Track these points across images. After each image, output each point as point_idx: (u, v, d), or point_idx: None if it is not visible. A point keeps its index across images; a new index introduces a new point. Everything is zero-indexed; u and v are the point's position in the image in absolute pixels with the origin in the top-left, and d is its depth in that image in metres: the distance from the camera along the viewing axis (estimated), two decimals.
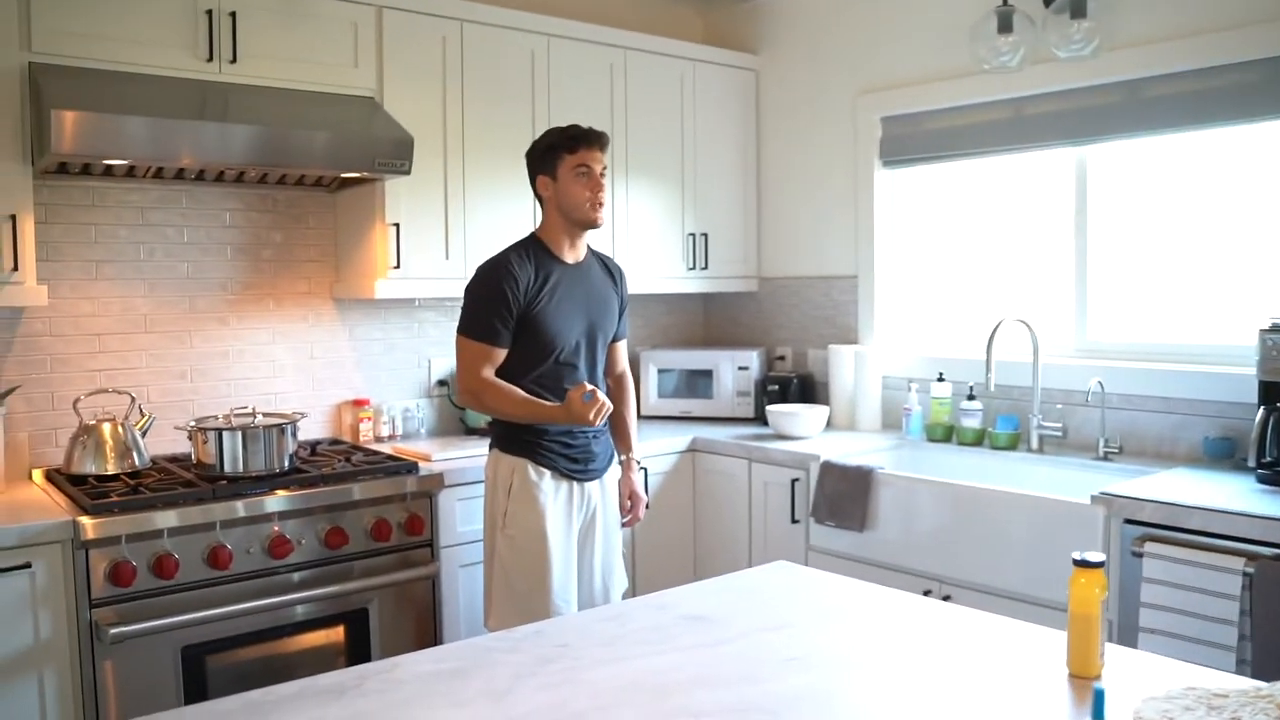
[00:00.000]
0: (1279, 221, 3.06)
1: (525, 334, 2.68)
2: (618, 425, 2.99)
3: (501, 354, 2.68)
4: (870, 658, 1.60)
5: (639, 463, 3.03)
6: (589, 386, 2.58)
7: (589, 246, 2.88)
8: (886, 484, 3.17)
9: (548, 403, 2.65)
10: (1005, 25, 3.32)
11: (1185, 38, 3.11)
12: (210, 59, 2.95)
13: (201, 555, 2.65)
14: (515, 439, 2.72)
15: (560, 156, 2.70)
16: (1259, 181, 3.11)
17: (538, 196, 2.80)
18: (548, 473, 2.70)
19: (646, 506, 3.04)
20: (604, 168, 2.73)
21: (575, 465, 2.74)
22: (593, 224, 2.74)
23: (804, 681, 1.49)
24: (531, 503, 2.68)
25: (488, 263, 2.74)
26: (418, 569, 3.00)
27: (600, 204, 2.71)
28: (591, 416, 2.55)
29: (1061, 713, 1.39)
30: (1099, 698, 1.16)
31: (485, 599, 2.78)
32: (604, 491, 2.84)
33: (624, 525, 2.96)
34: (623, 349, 3.03)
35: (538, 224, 2.84)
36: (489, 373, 2.68)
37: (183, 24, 2.91)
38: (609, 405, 2.61)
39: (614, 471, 2.92)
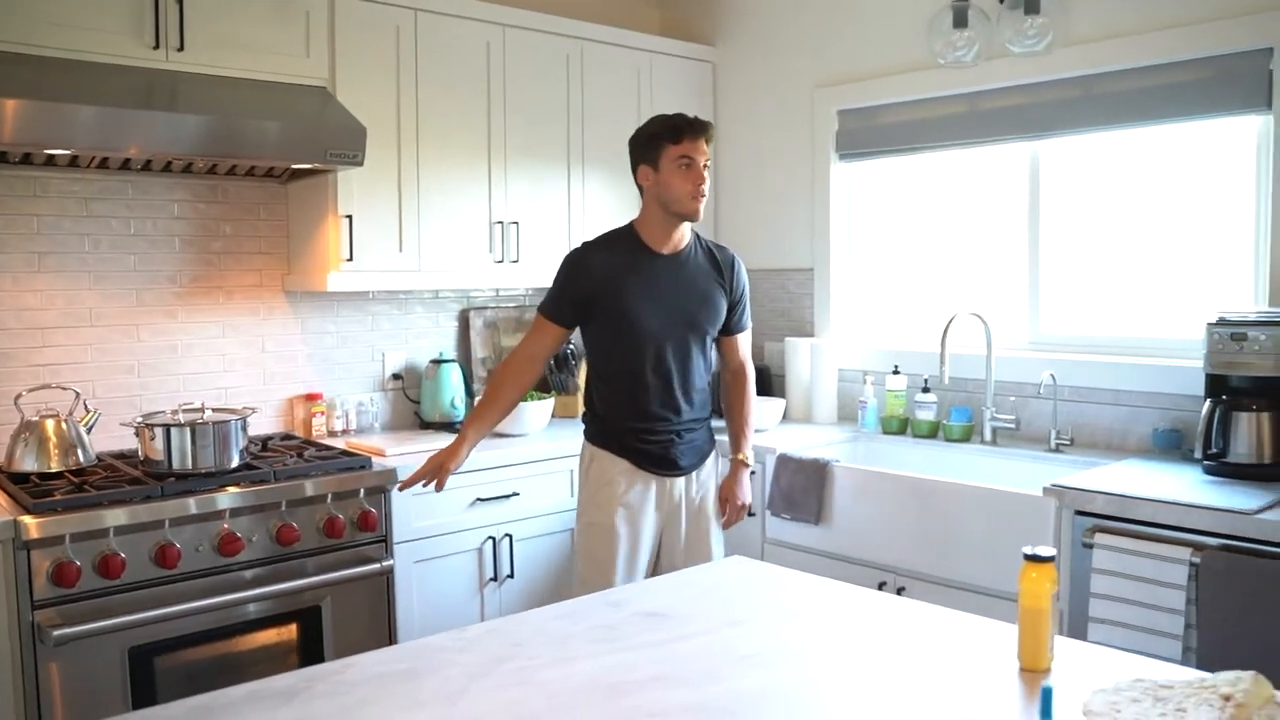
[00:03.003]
0: (1227, 217, 3.11)
1: (604, 320, 2.70)
2: (730, 422, 2.93)
3: (558, 330, 2.75)
4: (827, 655, 1.60)
5: (747, 464, 2.88)
6: (451, 473, 2.70)
7: (698, 237, 2.82)
8: (842, 476, 3.19)
9: (465, 434, 2.74)
10: (961, 20, 3.34)
11: (1136, 35, 3.14)
12: (157, 46, 2.89)
13: (149, 554, 2.60)
14: (597, 429, 2.77)
15: (663, 146, 2.66)
16: (1208, 178, 3.15)
17: (638, 186, 2.76)
18: (625, 465, 2.71)
19: (750, 512, 2.89)
20: (707, 159, 2.68)
21: (652, 460, 2.72)
22: (692, 216, 2.70)
23: (761, 679, 1.49)
24: (605, 493, 2.70)
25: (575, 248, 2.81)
26: (371, 565, 2.97)
27: (702, 195, 2.66)
28: (420, 477, 2.69)
29: (1012, 707, 1.40)
30: (1046, 696, 1.16)
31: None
32: (694, 489, 2.79)
33: (723, 528, 2.87)
34: (740, 342, 2.93)
35: (637, 214, 2.80)
36: (537, 350, 2.77)
37: (128, 10, 2.84)
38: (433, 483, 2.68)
39: (712, 468, 2.86)
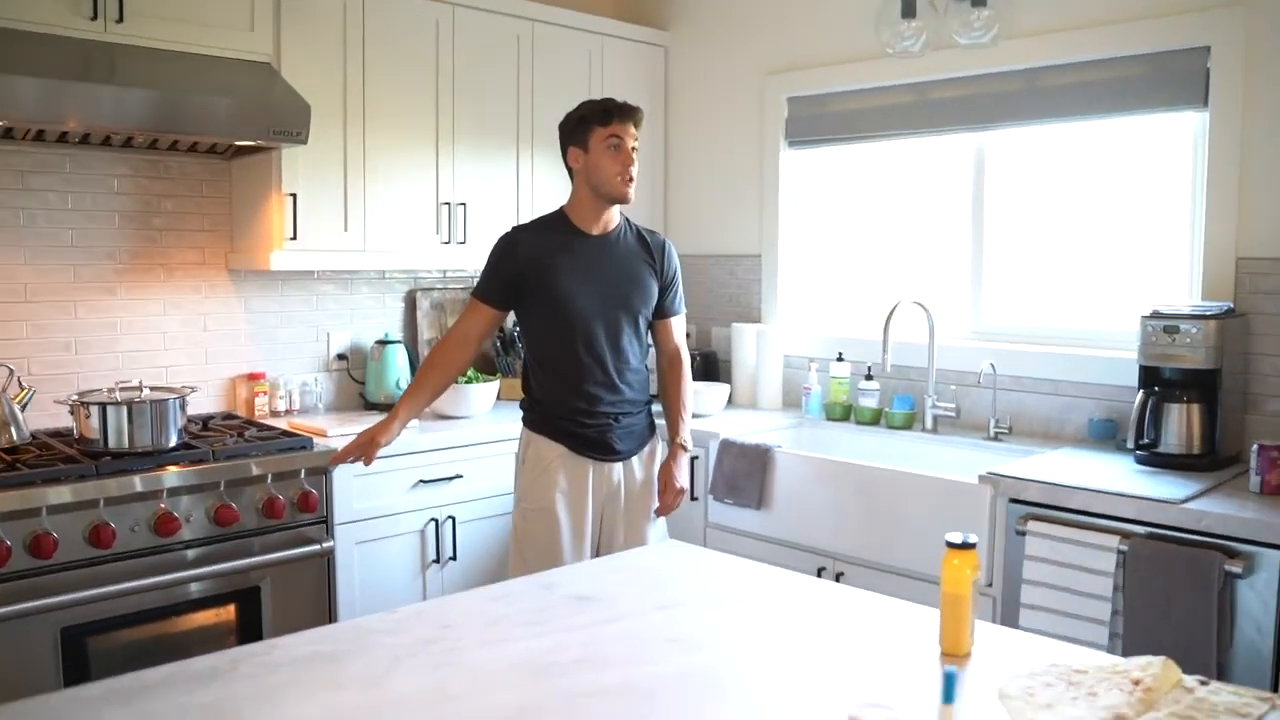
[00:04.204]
0: (1163, 211, 3.16)
1: (535, 301, 2.71)
2: (667, 407, 2.93)
3: (490, 312, 2.76)
4: (752, 638, 1.62)
5: (686, 448, 2.86)
6: (381, 447, 2.71)
7: (629, 221, 2.85)
8: (784, 462, 3.22)
9: (396, 411, 2.75)
10: (909, 10, 3.36)
11: (1079, 30, 3.18)
12: (95, 17, 2.82)
13: (83, 534, 2.57)
14: (534, 415, 2.77)
15: (592, 128, 2.69)
16: (1145, 172, 3.20)
17: (568, 169, 2.77)
18: (562, 450, 2.71)
19: (693, 497, 2.83)
20: (636, 142, 2.71)
21: (589, 445, 2.72)
22: (622, 198, 2.72)
23: (687, 662, 1.51)
24: (543, 479, 2.71)
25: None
26: (312, 546, 2.95)
27: (630, 178, 2.69)
28: (350, 451, 2.73)
29: (927, 690, 1.42)
30: (949, 680, 1.19)
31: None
32: (633, 474, 2.80)
33: (656, 513, 2.85)
34: (674, 326, 2.92)
35: (568, 198, 2.80)
36: (470, 331, 2.77)
37: None
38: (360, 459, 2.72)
39: (651, 454, 2.85)
